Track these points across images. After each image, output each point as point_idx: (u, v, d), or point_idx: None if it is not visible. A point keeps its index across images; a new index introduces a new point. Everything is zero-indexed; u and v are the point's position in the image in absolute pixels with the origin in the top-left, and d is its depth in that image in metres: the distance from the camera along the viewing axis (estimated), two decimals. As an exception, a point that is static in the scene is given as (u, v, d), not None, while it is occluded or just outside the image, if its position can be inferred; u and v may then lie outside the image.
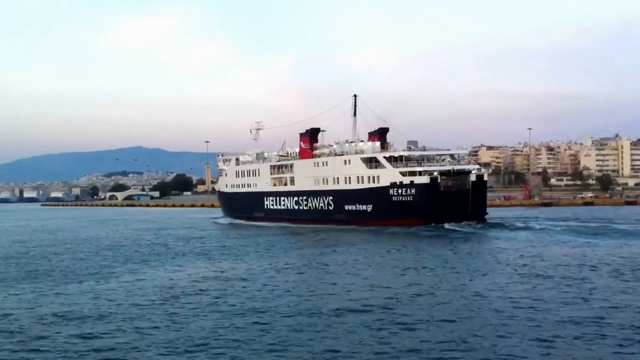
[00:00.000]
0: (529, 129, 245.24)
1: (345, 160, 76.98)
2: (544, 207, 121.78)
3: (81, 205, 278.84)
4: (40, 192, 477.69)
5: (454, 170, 71.41)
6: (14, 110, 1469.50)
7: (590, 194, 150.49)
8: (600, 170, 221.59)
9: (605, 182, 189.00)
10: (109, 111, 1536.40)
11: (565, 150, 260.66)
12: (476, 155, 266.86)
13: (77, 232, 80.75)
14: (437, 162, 75.13)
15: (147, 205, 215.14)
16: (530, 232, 60.99)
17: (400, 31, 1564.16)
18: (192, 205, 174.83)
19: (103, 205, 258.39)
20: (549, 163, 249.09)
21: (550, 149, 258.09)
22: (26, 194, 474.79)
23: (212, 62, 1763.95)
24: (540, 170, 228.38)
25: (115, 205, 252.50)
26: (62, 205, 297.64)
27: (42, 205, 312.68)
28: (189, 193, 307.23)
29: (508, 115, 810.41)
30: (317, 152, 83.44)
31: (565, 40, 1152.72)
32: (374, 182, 72.68)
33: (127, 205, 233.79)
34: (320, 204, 79.64)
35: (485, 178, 72.90)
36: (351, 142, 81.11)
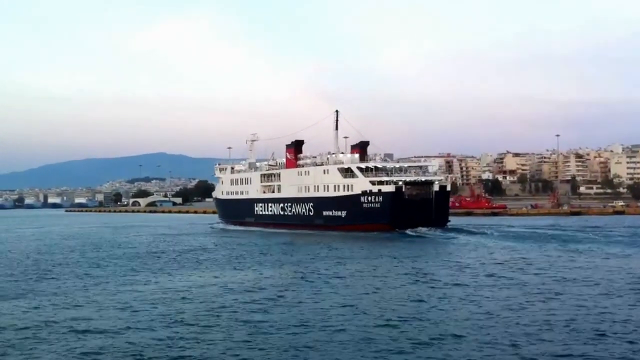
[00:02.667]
0: (557, 135, 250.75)
1: (324, 170, 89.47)
2: (573, 216, 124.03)
3: (104, 211, 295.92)
4: (65, 197, 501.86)
5: (418, 180, 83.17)
6: (40, 116, 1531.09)
7: (621, 203, 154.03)
8: (631, 179, 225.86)
9: (637, 190, 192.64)
10: (132, 117, 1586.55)
11: (595, 157, 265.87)
12: (502, 162, 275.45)
13: (93, 239, 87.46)
14: (406, 172, 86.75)
15: (170, 212, 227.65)
16: (481, 237, 71.23)
17: (424, 36, 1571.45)
18: (214, 212, 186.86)
19: (126, 211, 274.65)
20: (577, 171, 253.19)
21: (579, 156, 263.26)
22: (50, 200, 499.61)
23: (236, 66, 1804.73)
24: (568, 178, 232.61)
25: (138, 211, 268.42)
26: (86, 211, 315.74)
27: (66, 211, 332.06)
28: (211, 199, 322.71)
29: (534, 121, 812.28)
30: (300, 162, 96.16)
31: (592, 46, 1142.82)
32: (348, 190, 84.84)
33: (150, 212, 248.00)
34: (303, 210, 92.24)
35: (448, 188, 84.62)
36: (332, 153, 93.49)
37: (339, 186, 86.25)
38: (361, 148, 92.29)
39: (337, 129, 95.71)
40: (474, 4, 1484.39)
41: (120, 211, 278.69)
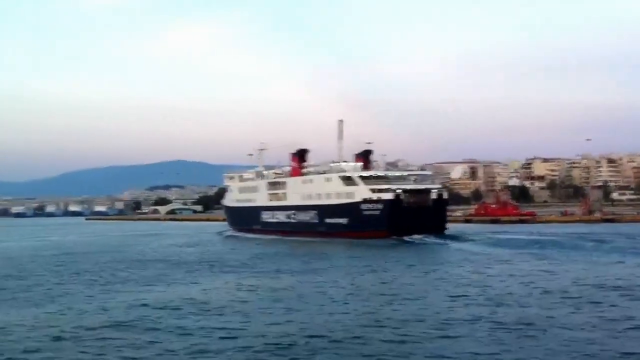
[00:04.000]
0: (588, 139, 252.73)
1: (326, 178, 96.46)
2: (606, 223, 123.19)
3: (124, 219, 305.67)
4: (85, 205, 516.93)
5: (416, 188, 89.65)
6: (59, 124, 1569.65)
7: None
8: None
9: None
10: (152, 124, 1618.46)
11: (628, 162, 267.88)
12: (529, 168, 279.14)
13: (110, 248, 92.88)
14: (406, 180, 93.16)
15: (190, 220, 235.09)
16: (472, 243, 76.81)
17: (446, 39, 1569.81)
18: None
19: (146, 219, 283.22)
20: (610, 176, 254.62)
21: (611, 161, 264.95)
22: (71, 208, 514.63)
23: (256, 73, 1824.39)
24: (600, 183, 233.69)
25: (158, 219, 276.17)
26: (106, 219, 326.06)
27: (86, 219, 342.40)
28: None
29: (563, 126, 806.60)
30: (304, 170, 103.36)
31: (621, 48, 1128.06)
32: (349, 198, 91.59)
33: (170, 220, 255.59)
34: (307, 217, 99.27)
35: (445, 196, 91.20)
36: (336, 162, 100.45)
37: (340, 194, 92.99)
38: (364, 156, 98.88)
39: (341, 138, 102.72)
40: (499, 8, 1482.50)
41: (140, 219, 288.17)
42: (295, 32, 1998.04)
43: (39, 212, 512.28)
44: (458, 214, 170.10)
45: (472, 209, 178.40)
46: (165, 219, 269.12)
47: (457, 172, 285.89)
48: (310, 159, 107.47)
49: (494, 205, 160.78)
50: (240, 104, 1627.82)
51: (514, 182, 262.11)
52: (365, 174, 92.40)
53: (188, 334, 27.70)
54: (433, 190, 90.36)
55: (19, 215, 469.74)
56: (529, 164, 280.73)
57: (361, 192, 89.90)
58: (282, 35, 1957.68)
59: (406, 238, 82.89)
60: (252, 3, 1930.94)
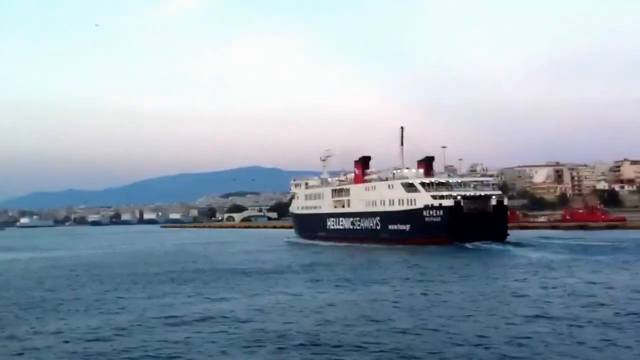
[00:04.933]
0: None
1: (389, 185, 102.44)
2: None
3: (199, 226, 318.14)
4: (159, 213, 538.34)
5: (476, 195, 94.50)
6: (132, 133, 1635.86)
7: None
8: None
9: None
10: (226, 131, 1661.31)
11: None
12: (618, 170, 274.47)
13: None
14: (467, 187, 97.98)
15: (265, 227, 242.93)
16: (537, 250, 79.31)
17: (527, 39, 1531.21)
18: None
19: (221, 226, 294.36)
20: None
21: None
22: (146, 216, 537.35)
23: (326, 80, 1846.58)
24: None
25: (233, 226, 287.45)
26: (181, 226, 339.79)
27: (161, 227, 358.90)
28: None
29: None
30: (367, 177, 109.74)
31: None
32: (411, 204, 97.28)
33: (245, 227, 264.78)
34: (370, 224, 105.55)
35: (505, 203, 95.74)
36: (398, 169, 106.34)
37: (402, 201, 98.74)
38: (426, 163, 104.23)
39: (402, 144, 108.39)
40: (572, 8, 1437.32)
41: (214, 226, 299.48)
42: (367, 37, 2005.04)
43: (115, 220, 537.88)
44: (542, 219, 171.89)
45: (557, 214, 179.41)
46: (240, 226, 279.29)
47: (540, 176, 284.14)
48: (374, 165, 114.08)
49: (581, 211, 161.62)
50: (313, 111, 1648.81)
51: (602, 185, 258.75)
52: (426, 180, 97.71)
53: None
54: (493, 197, 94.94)
55: (95, 223, 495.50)
56: (618, 166, 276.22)
57: (422, 199, 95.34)
58: (354, 42, 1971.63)
59: (467, 245, 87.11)
60: (322, 11, 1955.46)
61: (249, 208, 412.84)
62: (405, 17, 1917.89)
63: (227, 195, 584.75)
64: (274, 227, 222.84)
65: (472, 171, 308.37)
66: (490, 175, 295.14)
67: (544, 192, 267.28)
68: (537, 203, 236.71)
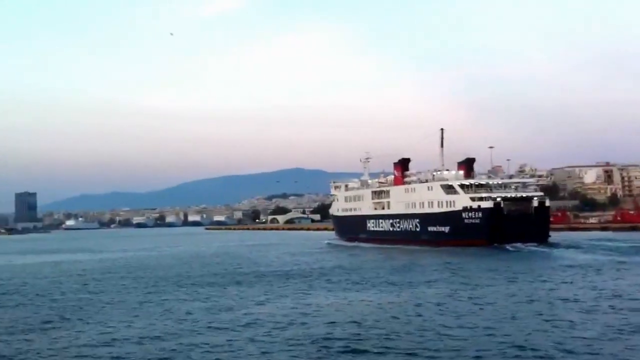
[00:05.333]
0: None
1: (428, 187, 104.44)
2: None
3: (243, 228, 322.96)
4: (204, 215, 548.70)
5: (517, 196, 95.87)
6: (176, 135, 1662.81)
7: None
8: None
9: None
10: (269, 132, 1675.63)
11: None
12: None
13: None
14: (507, 189, 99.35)
15: (308, 229, 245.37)
16: (584, 251, 79.84)
17: (570, 34, 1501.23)
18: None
19: (264, 228, 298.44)
20: None
21: None
22: (190, 218, 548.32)
23: (371, 80, 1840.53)
24: None
25: (277, 228, 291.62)
26: (225, 229, 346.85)
27: (205, 229, 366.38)
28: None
29: None
30: (407, 179, 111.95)
31: None
32: (450, 206, 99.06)
33: (288, 229, 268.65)
34: (410, 226, 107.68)
35: (547, 204, 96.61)
36: (438, 170, 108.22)
37: (442, 202, 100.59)
38: (467, 165, 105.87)
39: (442, 146, 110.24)
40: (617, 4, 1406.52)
41: (258, 229, 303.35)
42: (409, 35, 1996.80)
43: (159, 222, 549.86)
44: (593, 220, 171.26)
45: (608, 215, 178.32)
46: (283, 228, 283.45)
47: (590, 176, 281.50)
48: (414, 166, 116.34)
49: (632, 212, 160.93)
50: (355, 111, 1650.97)
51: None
52: (466, 182, 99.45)
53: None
54: (535, 198, 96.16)
55: (139, 225, 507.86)
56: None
57: (461, 201, 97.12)
58: (400, 41, 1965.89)
59: (508, 246, 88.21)
60: (366, 7, 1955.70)
61: (293, 210, 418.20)
62: (451, 14, 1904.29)
63: (270, 198, 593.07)
64: (317, 229, 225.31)
65: (521, 171, 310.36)
66: (540, 176, 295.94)
67: (595, 192, 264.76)
68: (587, 204, 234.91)
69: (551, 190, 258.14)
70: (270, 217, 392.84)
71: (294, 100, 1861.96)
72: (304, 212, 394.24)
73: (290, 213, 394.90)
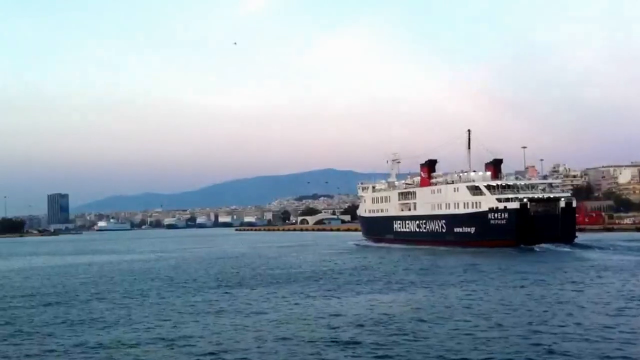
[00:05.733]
0: None
1: (454, 188, 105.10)
2: None
3: (273, 229, 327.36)
4: (234, 216, 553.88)
5: (543, 197, 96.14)
6: (207, 136, 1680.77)
7: None
8: None
9: None
10: (299, 133, 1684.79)
11: None
12: None
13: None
14: (534, 189, 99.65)
15: (338, 230, 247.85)
16: (613, 252, 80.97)
17: (612, 31, 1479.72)
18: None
19: (294, 229, 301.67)
20: None
21: None
22: (221, 219, 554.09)
23: (403, 79, 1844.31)
24: None
25: (306, 229, 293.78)
26: (255, 229, 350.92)
27: (236, 230, 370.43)
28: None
29: None
30: (433, 180, 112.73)
31: None
32: (476, 207, 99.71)
33: (318, 230, 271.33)
34: (436, 227, 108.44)
35: (574, 205, 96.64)
36: (465, 171, 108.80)
37: (468, 203, 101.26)
38: (494, 166, 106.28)
39: (469, 147, 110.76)
40: None
41: (288, 229, 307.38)
42: (445, 32, 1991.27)
43: (190, 223, 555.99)
44: (628, 221, 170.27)
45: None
46: (313, 229, 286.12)
47: (625, 176, 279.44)
48: (443, 167, 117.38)
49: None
50: (386, 111, 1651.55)
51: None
52: (492, 183, 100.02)
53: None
54: (562, 199, 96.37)
55: (170, 226, 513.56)
56: None
57: (488, 202, 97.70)
58: (434, 39, 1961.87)
59: (535, 247, 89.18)
60: (400, 6, 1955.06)
61: (322, 211, 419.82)
62: (484, 14, 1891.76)
63: (300, 198, 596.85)
64: (348, 229, 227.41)
65: (555, 171, 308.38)
66: (574, 176, 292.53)
67: (630, 192, 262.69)
68: (622, 204, 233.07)
69: (585, 190, 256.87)
70: (300, 218, 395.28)
71: (326, 101, 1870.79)
72: (334, 213, 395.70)
73: (320, 214, 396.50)
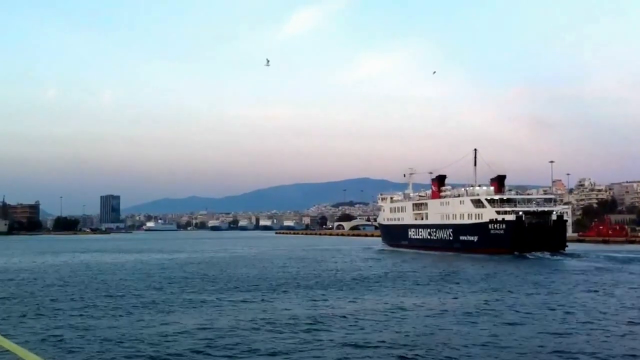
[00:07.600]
0: None
1: (460, 201, 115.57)
2: None
3: (311, 234, 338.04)
4: (274, 220, 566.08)
5: (537, 210, 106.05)
6: (252, 145, 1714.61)
7: None
8: None
9: None
10: (337, 145, 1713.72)
11: None
12: None
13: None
14: (530, 203, 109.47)
15: (372, 235, 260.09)
16: (583, 260, 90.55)
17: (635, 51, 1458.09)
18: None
19: (330, 234, 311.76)
20: None
21: None
22: (261, 222, 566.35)
23: (435, 93, 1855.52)
24: None
25: (342, 234, 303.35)
26: (294, 233, 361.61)
27: (276, 233, 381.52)
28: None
29: None
30: (442, 193, 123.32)
31: None
32: (478, 218, 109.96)
33: (353, 235, 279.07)
34: (444, 235, 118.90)
35: (565, 217, 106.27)
36: (470, 186, 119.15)
37: (471, 215, 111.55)
38: (498, 181, 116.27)
39: (475, 164, 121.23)
40: None
41: (324, 234, 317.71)
42: (474, 56, 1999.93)
43: (233, 225, 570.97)
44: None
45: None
46: (348, 234, 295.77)
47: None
48: (454, 181, 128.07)
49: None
50: (418, 125, 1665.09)
51: None
52: (494, 197, 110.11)
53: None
54: (554, 212, 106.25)
55: (214, 228, 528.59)
56: None
57: (488, 214, 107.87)
58: (465, 57, 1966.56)
59: (528, 255, 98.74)
60: (437, 27, 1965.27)
61: (358, 217, 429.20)
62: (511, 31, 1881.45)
63: (337, 205, 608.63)
64: (379, 235, 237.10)
65: (580, 185, 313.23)
66: (599, 190, 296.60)
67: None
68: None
69: (610, 204, 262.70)
70: (336, 224, 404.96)
71: (363, 115, 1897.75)
72: (368, 220, 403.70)
73: (355, 220, 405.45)
